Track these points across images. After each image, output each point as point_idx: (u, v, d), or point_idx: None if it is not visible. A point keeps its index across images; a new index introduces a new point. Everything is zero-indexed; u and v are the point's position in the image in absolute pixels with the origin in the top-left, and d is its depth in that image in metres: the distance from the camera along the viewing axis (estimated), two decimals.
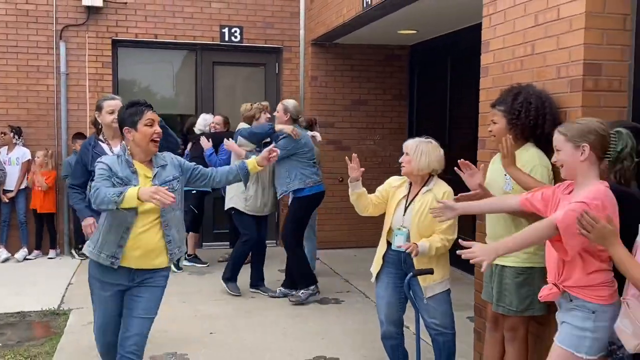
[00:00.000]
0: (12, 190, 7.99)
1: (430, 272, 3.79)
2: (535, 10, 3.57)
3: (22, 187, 8.10)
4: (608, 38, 3.23)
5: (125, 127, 3.51)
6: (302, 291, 6.12)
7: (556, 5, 3.39)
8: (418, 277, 3.84)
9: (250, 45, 8.97)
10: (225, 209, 6.57)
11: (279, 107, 6.28)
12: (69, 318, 5.67)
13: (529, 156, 3.40)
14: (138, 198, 3.18)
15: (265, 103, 6.76)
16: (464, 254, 2.74)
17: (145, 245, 3.44)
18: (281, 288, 6.35)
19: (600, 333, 2.70)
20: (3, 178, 7.78)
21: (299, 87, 8.95)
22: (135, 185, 3.34)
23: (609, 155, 2.71)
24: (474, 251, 2.74)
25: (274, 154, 3.87)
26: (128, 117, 3.50)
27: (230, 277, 6.42)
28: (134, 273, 3.48)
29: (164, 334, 5.03)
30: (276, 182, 6.23)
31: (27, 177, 8.09)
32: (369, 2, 6.37)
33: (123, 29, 8.53)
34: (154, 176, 3.51)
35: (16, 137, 8.05)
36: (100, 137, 4.56)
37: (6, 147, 8.04)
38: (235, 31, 8.88)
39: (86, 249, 3.57)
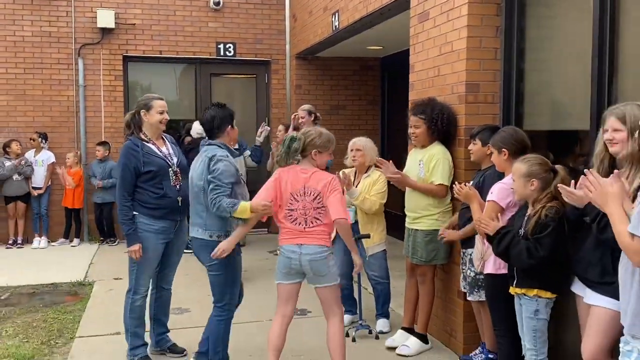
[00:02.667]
0: (41, 188, 9.31)
1: (367, 236, 5.11)
2: (440, 44, 4.89)
3: (48, 184, 9.42)
4: (484, 65, 4.55)
5: (229, 128, 4.23)
6: None
7: (451, 41, 4.71)
8: (362, 240, 5.16)
9: (242, 59, 10.29)
10: None
11: (302, 113, 7.15)
12: (93, 287, 6.97)
13: (437, 151, 4.66)
14: (251, 210, 3.94)
15: None
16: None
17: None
18: None
19: None
20: (30, 173, 9.19)
21: (286, 95, 10.23)
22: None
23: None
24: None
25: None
26: (227, 115, 4.23)
27: None
28: None
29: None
30: None
31: (61, 180, 9.34)
32: (337, 26, 7.69)
33: (132, 47, 9.86)
34: None
35: (43, 141, 9.38)
36: (143, 136, 4.52)
37: (34, 150, 9.37)
38: (230, 47, 10.20)
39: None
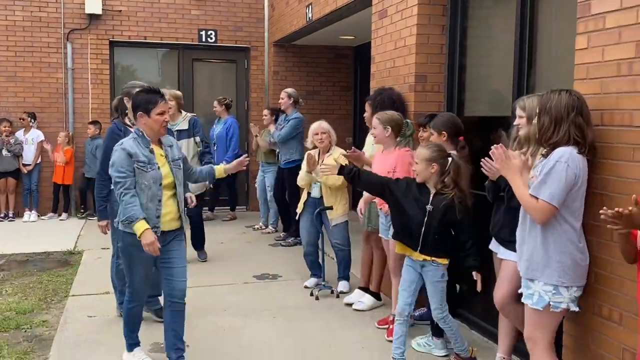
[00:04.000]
0: (30, 164, 9.89)
1: (330, 208, 5.78)
2: (395, 39, 5.55)
3: (37, 162, 9.99)
4: (431, 59, 5.23)
5: (140, 113, 3.90)
6: (291, 238, 8.05)
7: (404, 37, 5.37)
8: (327, 211, 5.82)
9: (223, 45, 10.87)
10: None
11: (283, 94, 8.00)
12: (82, 255, 7.58)
13: None
14: (139, 236, 3.78)
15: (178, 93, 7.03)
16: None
17: (170, 212, 3.98)
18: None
19: None
20: (20, 151, 9.73)
21: (264, 80, 10.88)
22: (154, 166, 3.88)
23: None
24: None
25: (246, 162, 4.54)
26: (139, 102, 3.92)
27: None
28: (166, 234, 3.99)
29: None
30: (281, 155, 8.01)
31: (48, 154, 9.95)
32: (311, 17, 8.32)
33: (118, 32, 10.40)
34: (166, 154, 4.00)
35: (32, 121, 9.93)
36: (127, 121, 4.64)
37: (23, 129, 9.91)
38: (211, 33, 10.77)
39: (122, 226, 3.93)
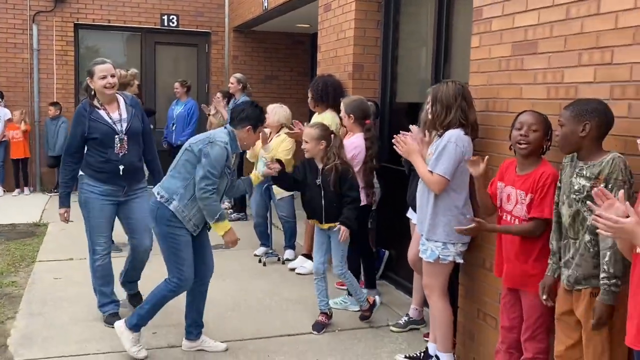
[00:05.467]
0: None
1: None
2: (337, 31, 6.16)
3: (2, 139, 10.37)
4: (367, 50, 5.85)
5: (250, 127, 3.96)
6: (234, 214, 8.59)
7: (344, 30, 5.98)
8: (273, 186, 6.41)
9: (185, 30, 11.35)
10: None
11: (232, 79, 8.45)
12: (48, 227, 8.06)
13: (327, 116, 5.84)
14: (223, 234, 3.93)
15: (136, 71, 7.02)
16: None
17: None
18: None
19: None
20: None
21: (224, 64, 11.39)
22: (230, 171, 4.00)
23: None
24: None
25: (274, 166, 4.48)
26: (254, 119, 3.99)
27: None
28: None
29: None
30: None
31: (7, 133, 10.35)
32: (266, 7, 8.86)
33: (83, 15, 10.80)
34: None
35: (0, 100, 10.30)
36: (95, 102, 4.46)
37: None
38: (173, 18, 11.23)
39: (178, 210, 3.88)
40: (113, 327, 4.21)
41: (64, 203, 4.60)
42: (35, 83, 10.63)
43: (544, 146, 3.16)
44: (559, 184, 2.91)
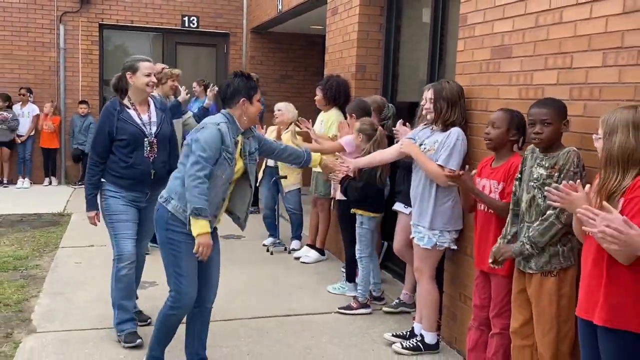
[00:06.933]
0: (24, 135, 10.79)
1: (284, 177, 6.75)
2: (343, 34, 6.50)
3: (31, 134, 10.90)
4: (369, 52, 6.19)
5: (243, 98, 3.50)
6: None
7: (349, 32, 6.33)
8: (281, 180, 6.79)
9: (204, 31, 11.78)
10: None
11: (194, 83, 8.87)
12: (71, 217, 8.53)
13: (332, 114, 6.22)
14: (197, 234, 3.33)
15: (176, 71, 6.71)
16: None
17: (222, 210, 3.70)
18: None
19: None
20: (16, 126, 10.64)
21: (242, 64, 11.77)
22: (234, 161, 3.49)
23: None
24: None
25: (345, 167, 4.37)
26: (245, 89, 3.51)
27: None
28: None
29: None
30: None
31: (39, 125, 10.87)
32: (281, 9, 9.23)
33: (108, 16, 11.28)
34: (243, 147, 3.60)
35: (30, 95, 10.84)
36: (126, 101, 4.26)
37: (20, 103, 10.81)
38: (193, 19, 11.67)
39: (179, 211, 3.46)
40: (133, 346, 4.15)
41: (93, 206, 4.31)
42: (62, 80, 11.13)
43: (518, 140, 3.47)
44: (518, 175, 3.23)
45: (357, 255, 5.08)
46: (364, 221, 5.00)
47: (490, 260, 3.25)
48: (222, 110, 3.58)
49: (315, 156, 4.06)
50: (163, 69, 6.41)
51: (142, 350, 4.08)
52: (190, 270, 3.53)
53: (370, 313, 5.04)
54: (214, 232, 3.58)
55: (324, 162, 4.12)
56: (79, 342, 4.31)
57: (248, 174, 3.63)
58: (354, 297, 5.12)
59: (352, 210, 5.07)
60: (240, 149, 3.57)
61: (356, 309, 5.04)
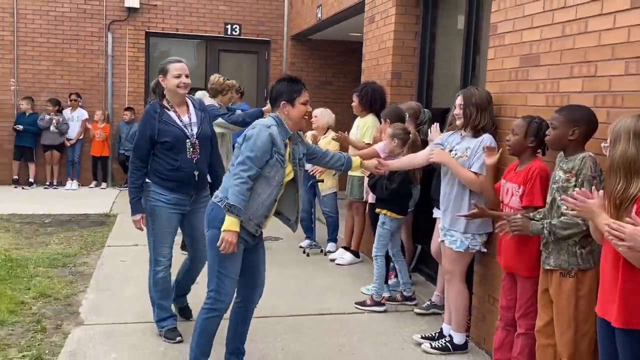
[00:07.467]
0: (73, 139, 11.25)
1: (321, 181, 6.93)
2: (379, 42, 6.66)
3: (80, 137, 11.35)
4: (405, 59, 6.33)
5: (283, 101, 3.53)
6: None
7: (385, 40, 6.49)
8: (318, 184, 6.97)
9: (246, 38, 12.09)
10: None
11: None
12: (117, 217, 8.87)
13: (369, 120, 6.38)
14: (225, 229, 3.37)
15: (236, 83, 7.02)
16: None
17: (273, 211, 3.68)
18: None
19: None
20: (66, 130, 11.09)
21: (282, 70, 12.02)
22: (285, 161, 3.51)
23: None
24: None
25: (383, 169, 4.29)
26: (287, 91, 3.54)
27: None
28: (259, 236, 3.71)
29: None
30: None
31: (89, 130, 11.32)
32: (320, 17, 9.44)
33: (154, 24, 11.68)
34: (292, 152, 3.62)
35: (80, 100, 11.30)
36: (165, 103, 4.27)
37: (70, 107, 11.27)
38: (236, 27, 11.98)
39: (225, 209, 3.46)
40: (174, 342, 4.34)
41: (138, 209, 4.31)
42: (109, 86, 11.57)
43: (538, 146, 3.58)
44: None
45: (373, 254, 5.24)
46: (386, 221, 5.15)
47: (497, 225, 3.38)
48: (271, 113, 3.63)
49: (356, 160, 4.07)
50: (225, 80, 6.63)
51: (182, 344, 4.32)
52: (233, 272, 3.57)
53: (384, 311, 5.20)
54: (259, 236, 3.71)
55: (364, 164, 4.16)
56: (123, 334, 4.56)
57: (296, 179, 3.67)
58: (373, 297, 5.26)
59: (377, 210, 5.23)
60: (290, 153, 3.60)
61: (370, 305, 5.21)
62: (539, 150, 3.63)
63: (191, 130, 4.27)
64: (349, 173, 6.53)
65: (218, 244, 3.43)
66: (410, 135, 5.07)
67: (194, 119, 4.31)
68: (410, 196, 5.22)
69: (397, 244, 5.36)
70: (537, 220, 3.24)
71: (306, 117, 3.62)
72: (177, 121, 4.23)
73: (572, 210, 2.68)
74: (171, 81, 4.21)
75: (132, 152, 4.39)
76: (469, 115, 4.15)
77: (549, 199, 3.25)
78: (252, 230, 3.56)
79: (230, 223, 3.40)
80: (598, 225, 2.56)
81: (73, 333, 4.56)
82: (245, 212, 3.45)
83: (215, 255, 3.53)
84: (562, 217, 3.10)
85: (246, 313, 3.85)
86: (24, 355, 4.13)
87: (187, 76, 4.24)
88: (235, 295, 3.74)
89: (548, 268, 3.17)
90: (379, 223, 5.21)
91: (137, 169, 4.24)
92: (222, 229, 3.41)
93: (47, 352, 4.21)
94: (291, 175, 3.62)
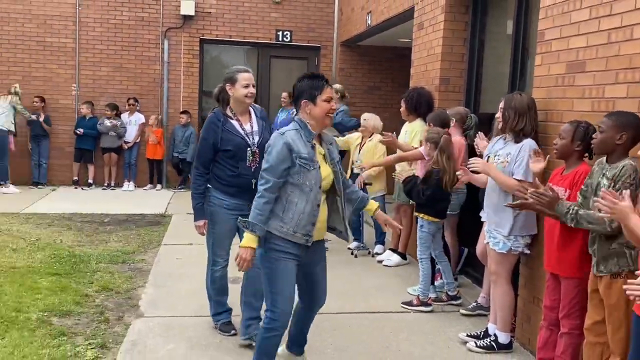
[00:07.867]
0: (130, 142, 11.70)
1: (369, 184, 7.09)
2: (428, 48, 6.79)
3: (137, 140, 11.80)
4: (453, 65, 6.44)
5: (304, 100, 3.43)
6: None
7: (434, 46, 6.61)
8: (367, 186, 7.13)
9: (297, 44, 12.34)
10: None
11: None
12: (171, 218, 9.21)
13: (416, 125, 6.50)
14: (241, 245, 3.39)
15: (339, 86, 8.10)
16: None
17: (322, 219, 3.53)
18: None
19: None
20: (124, 133, 11.53)
21: (332, 76, 12.20)
22: (316, 164, 3.39)
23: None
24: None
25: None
26: (307, 89, 3.43)
27: None
28: (314, 244, 3.54)
29: None
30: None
31: (145, 134, 11.76)
32: (369, 24, 9.61)
33: (208, 31, 12.05)
34: (328, 152, 3.54)
35: (137, 105, 11.75)
36: (228, 112, 4.35)
37: (128, 112, 11.73)
38: (287, 34, 12.25)
39: (276, 228, 3.42)
40: (228, 335, 4.59)
41: (201, 215, 4.45)
42: (165, 91, 11.98)
43: (585, 151, 3.66)
44: (587, 180, 3.43)
45: (418, 257, 5.39)
46: (424, 224, 5.29)
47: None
48: (295, 117, 3.55)
49: (372, 203, 3.83)
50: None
51: (236, 336, 4.56)
52: (286, 289, 3.49)
53: (431, 311, 5.33)
54: (320, 242, 3.69)
55: (377, 214, 3.81)
56: (180, 327, 4.82)
57: (335, 185, 3.55)
58: (420, 297, 5.39)
59: (415, 213, 5.37)
60: (324, 155, 3.52)
61: (416, 305, 5.35)
62: (586, 155, 3.71)
63: (252, 139, 4.35)
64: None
65: (234, 258, 3.52)
66: (442, 138, 5.16)
67: (255, 128, 4.38)
68: (446, 200, 5.32)
69: (439, 245, 5.49)
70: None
71: (330, 114, 3.46)
72: (240, 130, 4.32)
73: (606, 212, 2.77)
74: (239, 90, 4.27)
75: (195, 159, 4.55)
76: (507, 118, 4.28)
77: (579, 200, 3.34)
78: (302, 242, 3.46)
79: (247, 240, 3.41)
80: (629, 227, 2.65)
81: (134, 324, 4.84)
82: (286, 226, 3.41)
83: (266, 274, 3.52)
84: (591, 211, 3.19)
85: (309, 316, 3.92)
86: (89, 343, 4.42)
87: (253, 86, 4.32)
88: (299, 299, 3.81)
89: (599, 275, 3.25)
90: (417, 226, 5.35)
91: (200, 175, 4.37)
92: (239, 245, 3.46)
93: (110, 341, 4.50)
94: (331, 178, 3.51)
